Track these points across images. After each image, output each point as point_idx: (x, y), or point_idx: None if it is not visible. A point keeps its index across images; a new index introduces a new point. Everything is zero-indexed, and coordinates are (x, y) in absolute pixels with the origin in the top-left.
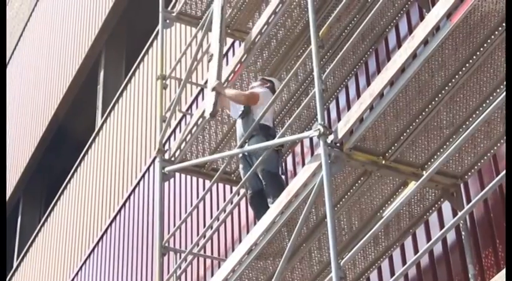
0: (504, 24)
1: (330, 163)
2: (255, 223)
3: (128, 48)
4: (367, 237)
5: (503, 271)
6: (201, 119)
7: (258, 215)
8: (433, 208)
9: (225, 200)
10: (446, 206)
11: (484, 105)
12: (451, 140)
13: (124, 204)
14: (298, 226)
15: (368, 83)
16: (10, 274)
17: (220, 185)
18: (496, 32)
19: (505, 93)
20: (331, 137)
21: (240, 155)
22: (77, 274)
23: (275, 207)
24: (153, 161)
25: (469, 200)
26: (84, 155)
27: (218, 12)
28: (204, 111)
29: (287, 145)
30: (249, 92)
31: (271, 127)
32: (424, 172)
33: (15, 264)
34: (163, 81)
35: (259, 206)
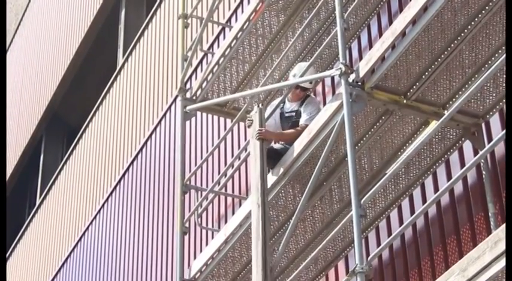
0: None
1: (351, 101)
2: None
3: None
4: (387, 176)
5: None
6: (222, 58)
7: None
8: (454, 147)
9: (246, 138)
10: (467, 146)
11: None
12: (473, 79)
13: (145, 143)
14: (319, 165)
15: (390, 22)
16: (33, 211)
17: (241, 124)
18: None
19: None
20: (352, 76)
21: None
22: (99, 211)
23: (297, 146)
24: (175, 100)
25: (490, 140)
26: (105, 95)
27: None
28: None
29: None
30: (301, 128)
31: None
32: (446, 111)
33: (37, 202)
34: (185, 20)
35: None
